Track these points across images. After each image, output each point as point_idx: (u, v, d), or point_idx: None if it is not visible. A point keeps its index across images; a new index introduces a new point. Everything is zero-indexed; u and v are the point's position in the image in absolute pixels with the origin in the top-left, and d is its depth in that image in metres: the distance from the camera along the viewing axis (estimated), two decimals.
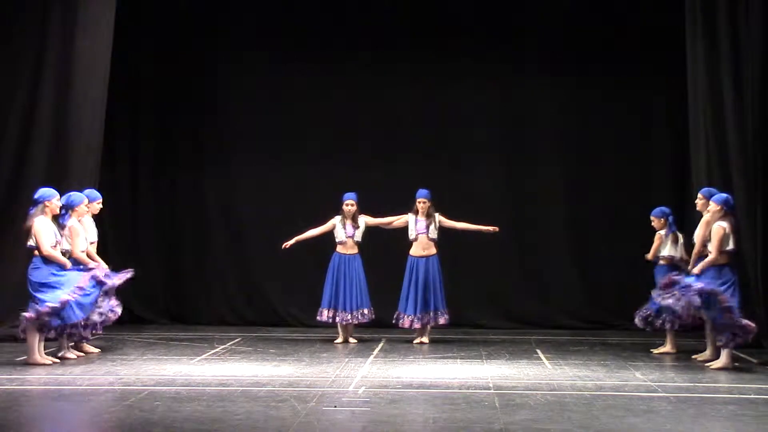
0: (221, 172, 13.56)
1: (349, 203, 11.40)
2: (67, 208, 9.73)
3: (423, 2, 13.33)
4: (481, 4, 13.28)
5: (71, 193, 9.92)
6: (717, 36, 11.04)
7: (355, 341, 11.31)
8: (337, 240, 11.40)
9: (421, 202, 11.33)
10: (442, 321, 11.35)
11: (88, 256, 9.96)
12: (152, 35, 13.40)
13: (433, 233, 11.29)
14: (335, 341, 11.29)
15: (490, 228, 11.33)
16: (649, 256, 10.78)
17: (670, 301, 9.56)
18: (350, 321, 11.32)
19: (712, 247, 9.41)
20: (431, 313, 11.26)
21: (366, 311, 11.36)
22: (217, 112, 13.57)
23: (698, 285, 9.33)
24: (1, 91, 11.30)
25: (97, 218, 10.48)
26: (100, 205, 10.44)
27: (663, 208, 10.82)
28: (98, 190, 10.64)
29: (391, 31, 13.31)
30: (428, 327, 11.33)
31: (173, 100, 13.53)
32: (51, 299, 9.18)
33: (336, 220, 11.41)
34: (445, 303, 11.36)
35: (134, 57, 13.14)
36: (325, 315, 11.32)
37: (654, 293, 10.07)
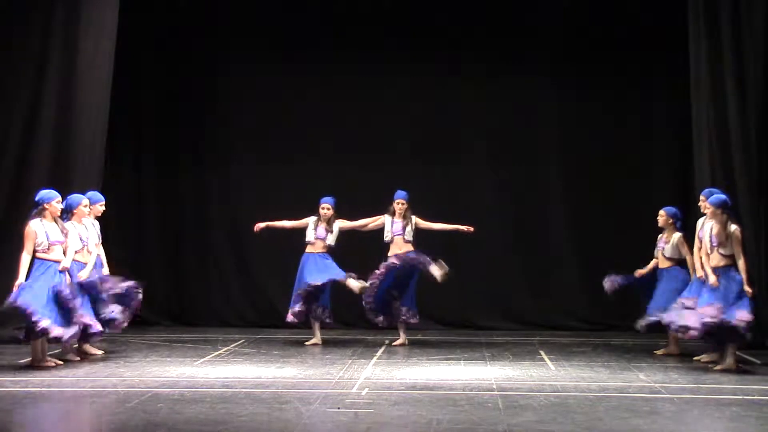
0: (223, 172, 13.59)
1: (325, 207, 11.31)
2: (67, 210, 9.73)
3: (423, 2, 13.33)
4: (481, 4, 13.28)
5: (71, 195, 9.94)
6: (719, 36, 11.04)
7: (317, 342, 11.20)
8: (306, 239, 11.31)
9: (399, 203, 11.22)
10: (414, 321, 11.20)
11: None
12: (153, 36, 13.42)
13: (409, 235, 11.17)
14: (306, 342, 11.26)
15: (466, 228, 11.23)
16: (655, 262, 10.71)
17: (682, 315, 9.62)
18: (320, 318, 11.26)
19: (737, 252, 9.38)
20: (403, 311, 11.12)
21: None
22: (217, 113, 13.59)
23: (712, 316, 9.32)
24: (5, 92, 11.31)
25: (100, 220, 10.48)
26: (103, 207, 10.45)
27: (676, 211, 10.76)
28: (101, 192, 10.66)
29: (391, 31, 13.32)
30: (402, 326, 11.21)
31: (174, 101, 13.56)
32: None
33: (311, 219, 11.33)
34: (415, 303, 11.22)
35: (135, 58, 13.15)
36: (290, 315, 11.24)
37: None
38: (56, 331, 9.15)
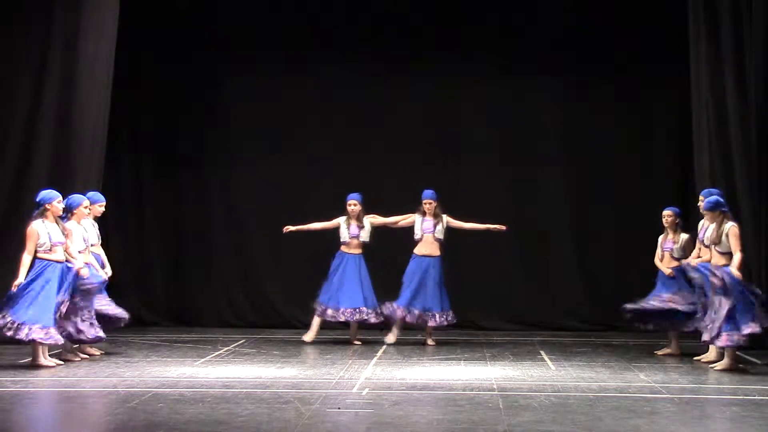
0: (223, 172, 13.58)
1: (352, 203, 11.39)
2: (67, 210, 9.72)
3: (423, 2, 13.34)
4: (481, 4, 13.28)
5: (71, 195, 9.93)
6: (720, 36, 11.04)
7: (359, 343, 11.29)
8: (341, 240, 11.39)
9: (427, 203, 11.32)
10: (432, 323, 11.22)
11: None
12: (153, 36, 13.40)
13: (440, 233, 11.27)
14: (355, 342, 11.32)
15: (498, 226, 11.32)
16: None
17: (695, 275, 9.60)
18: (347, 319, 11.27)
19: (734, 248, 9.32)
20: (425, 313, 11.17)
21: (369, 311, 11.27)
22: (217, 113, 13.59)
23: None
24: (5, 93, 11.30)
25: (100, 220, 10.48)
26: (103, 208, 10.44)
27: (679, 210, 10.75)
28: (101, 192, 10.65)
29: (392, 31, 13.32)
30: (429, 327, 11.28)
31: (174, 101, 13.55)
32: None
33: (341, 219, 11.41)
34: (441, 305, 11.24)
35: (135, 58, 13.12)
36: (318, 310, 11.30)
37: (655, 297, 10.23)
38: (43, 335, 9.16)
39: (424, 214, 11.33)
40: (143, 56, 13.39)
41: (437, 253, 11.29)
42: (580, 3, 13.22)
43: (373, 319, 11.33)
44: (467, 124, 13.43)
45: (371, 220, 11.45)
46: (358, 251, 11.39)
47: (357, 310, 11.24)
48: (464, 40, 13.29)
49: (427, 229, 11.28)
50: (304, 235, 11.53)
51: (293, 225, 11.47)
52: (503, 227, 11.35)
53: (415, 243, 11.36)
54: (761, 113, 10.91)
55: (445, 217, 11.32)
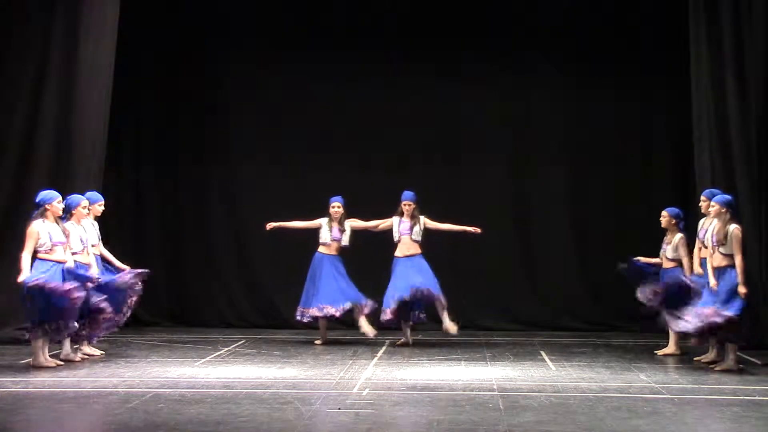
0: (223, 172, 13.59)
1: (335, 206, 11.37)
2: (65, 210, 9.73)
3: (424, 2, 13.34)
4: (481, 4, 13.29)
5: (70, 195, 9.94)
6: (720, 36, 11.04)
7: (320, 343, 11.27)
8: (320, 241, 11.35)
9: (407, 205, 11.29)
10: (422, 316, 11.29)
11: (103, 257, 10.09)
12: (153, 36, 13.40)
13: (417, 235, 11.23)
14: (316, 342, 11.32)
15: (473, 229, 11.29)
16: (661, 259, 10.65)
17: (686, 324, 9.54)
18: (326, 316, 11.26)
19: (735, 251, 9.34)
20: (414, 311, 11.18)
21: (352, 304, 11.21)
22: (217, 113, 13.59)
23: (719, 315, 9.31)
24: (6, 93, 11.31)
25: (100, 220, 10.49)
26: (102, 207, 10.45)
27: (678, 211, 10.74)
28: (101, 192, 10.66)
29: (392, 31, 13.34)
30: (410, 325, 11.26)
31: (174, 101, 13.56)
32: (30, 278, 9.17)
33: (323, 221, 11.38)
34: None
35: (135, 58, 13.12)
36: (299, 312, 11.31)
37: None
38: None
39: (401, 215, 11.29)
40: (143, 56, 13.39)
41: (418, 251, 11.24)
42: (580, 3, 13.22)
43: (366, 311, 11.24)
44: (467, 124, 13.43)
45: (352, 224, 11.41)
46: (336, 253, 11.35)
47: (341, 307, 11.21)
48: (464, 40, 13.29)
49: (404, 231, 11.24)
50: (302, 233, 11.50)
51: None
52: (478, 230, 11.29)
53: (395, 246, 11.30)
54: (761, 113, 10.91)
55: (423, 219, 11.27)
